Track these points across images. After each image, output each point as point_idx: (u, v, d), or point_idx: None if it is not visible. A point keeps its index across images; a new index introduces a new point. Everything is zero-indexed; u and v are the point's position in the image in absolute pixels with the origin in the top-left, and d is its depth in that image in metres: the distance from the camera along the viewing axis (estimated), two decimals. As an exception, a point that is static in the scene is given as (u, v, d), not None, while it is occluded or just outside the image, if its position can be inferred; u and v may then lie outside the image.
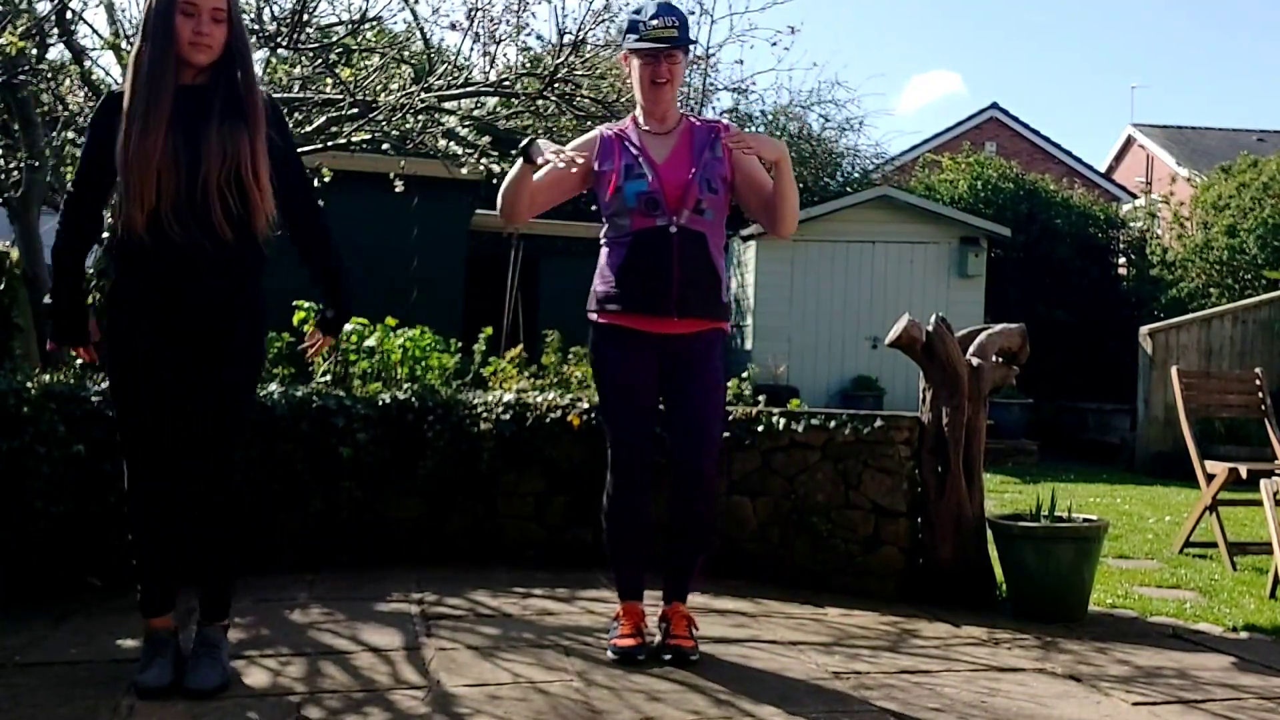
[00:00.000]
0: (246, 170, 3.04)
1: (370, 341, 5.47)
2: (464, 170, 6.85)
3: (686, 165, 3.53)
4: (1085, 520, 4.53)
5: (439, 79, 6.50)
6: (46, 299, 3.28)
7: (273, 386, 4.74)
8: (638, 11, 3.55)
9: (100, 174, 3.08)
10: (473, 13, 6.33)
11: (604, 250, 3.61)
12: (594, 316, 3.59)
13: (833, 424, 4.68)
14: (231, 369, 3.13)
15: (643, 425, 3.56)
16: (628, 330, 3.53)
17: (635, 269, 3.49)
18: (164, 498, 3.12)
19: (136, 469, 3.09)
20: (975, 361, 4.65)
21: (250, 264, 3.14)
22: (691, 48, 3.65)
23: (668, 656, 3.48)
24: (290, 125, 5.95)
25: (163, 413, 3.08)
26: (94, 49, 5.88)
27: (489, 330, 6.06)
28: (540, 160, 3.40)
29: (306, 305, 5.51)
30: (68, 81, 6.00)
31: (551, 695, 3.12)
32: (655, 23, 3.47)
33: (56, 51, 5.98)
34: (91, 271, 5.67)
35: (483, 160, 6.78)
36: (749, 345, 12.59)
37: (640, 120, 3.63)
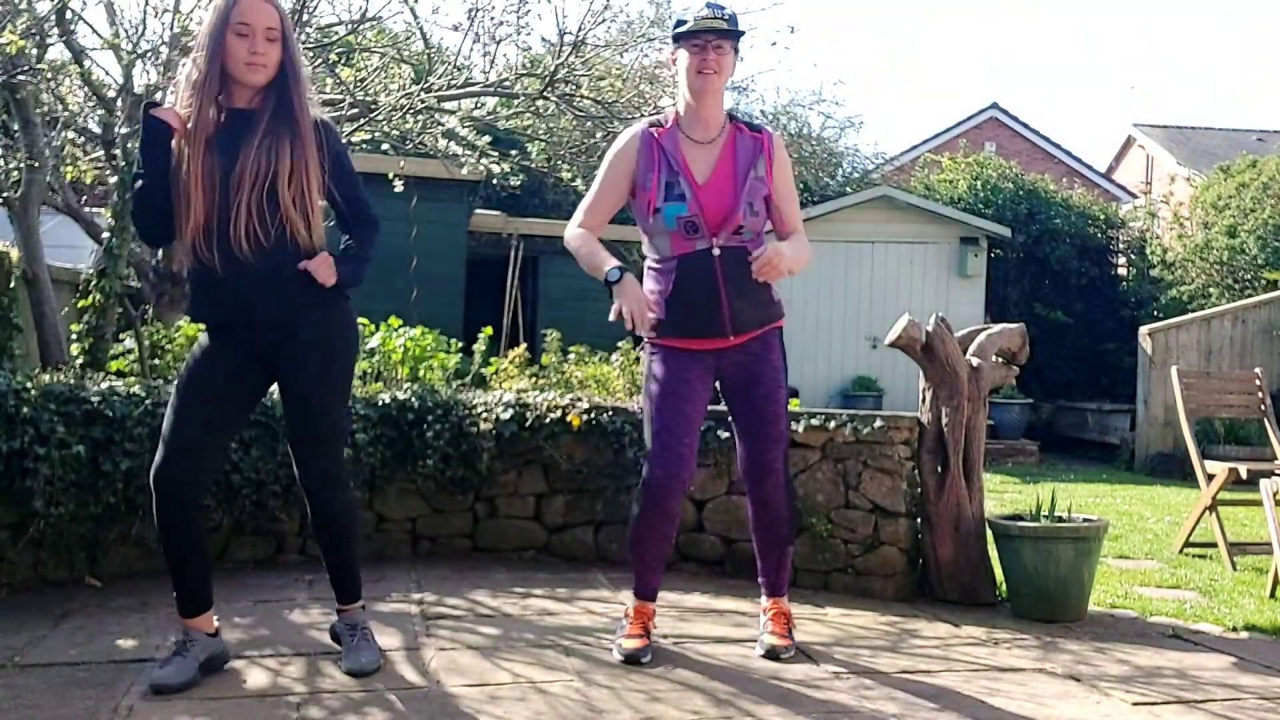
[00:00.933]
0: (284, 187, 3.03)
1: (371, 342, 5.47)
2: (464, 170, 6.86)
3: (730, 188, 3.48)
4: (1085, 520, 4.53)
5: (439, 79, 6.51)
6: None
7: (272, 387, 4.72)
8: (686, 8, 3.56)
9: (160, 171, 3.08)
10: (473, 12, 6.33)
11: (648, 272, 3.58)
12: (646, 340, 3.59)
13: (832, 424, 4.68)
14: (303, 380, 3.18)
15: (686, 435, 3.52)
16: (682, 350, 3.54)
17: (684, 298, 3.47)
18: (184, 492, 3.11)
19: (164, 452, 3.09)
20: (975, 362, 4.65)
21: (304, 279, 3.11)
22: (739, 47, 3.57)
23: (760, 652, 3.59)
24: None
25: (209, 417, 3.13)
26: (94, 49, 5.88)
27: (489, 330, 6.07)
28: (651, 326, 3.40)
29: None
30: (68, 81, 6.00)
31: (551, 695, 3.12)
32: (705, 13, 3.46)
33: (56, 51, 5.98)
34: (91, 272, 5.67)
35: (483, 160, 6.78)
36: (749, 345, 12.58)
37: (682, 124, 3.56)
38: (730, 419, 3.70)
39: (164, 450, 3.09)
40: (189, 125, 3.04)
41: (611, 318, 3.40)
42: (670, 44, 3.62)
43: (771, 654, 3.56)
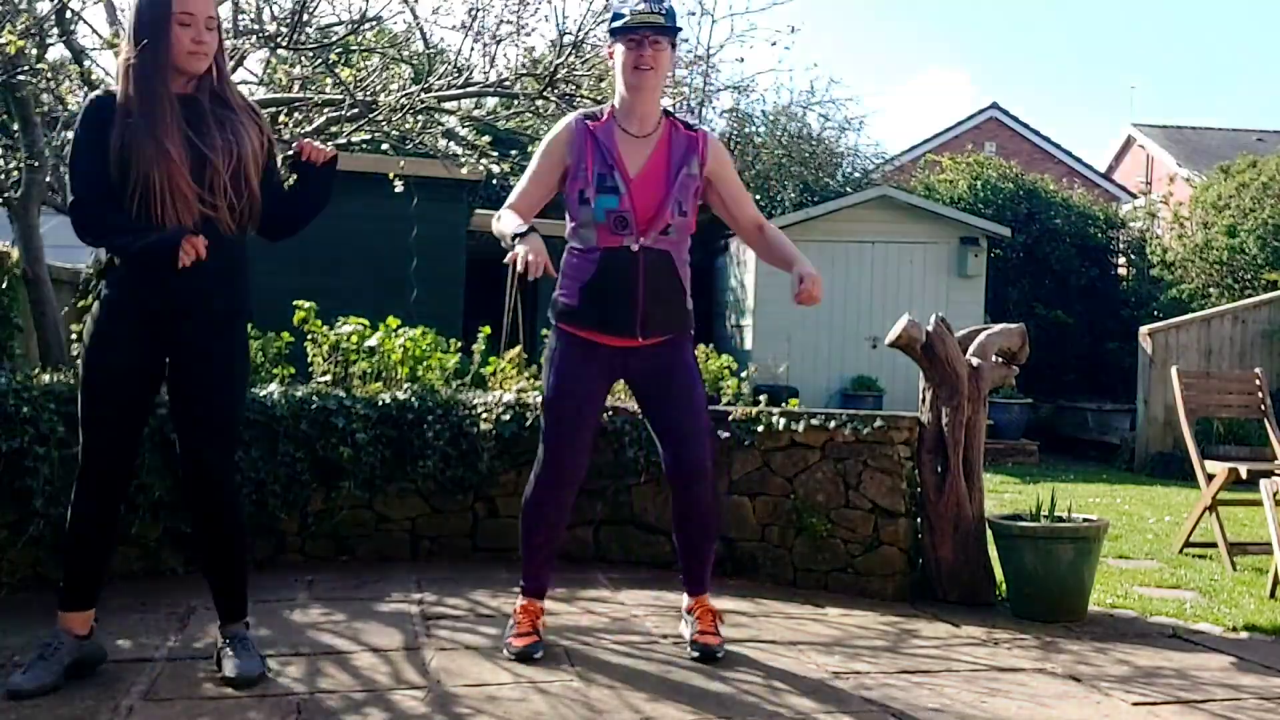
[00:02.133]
0: (249, 171, 3.08)
1: (371, 342, 5.47)
2: (464, 170, 6.85)
3: (661, 184, 3.45)
4: (1085, 520, 4.53)
5: (439, 79, 6.50)
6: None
7: (273, 387, 4.74)
8: (623, 2, 3.46)
9: (107, 171, 3.01)
10: (473, 12, 6.32)
11: (569, 257, 3.54)
12: (555, 323, 3.57)
13: (832, 424, 4.68)
14: (229, 366, 3.15)
15: (583, 431, 3.51)
16: (587, 341, 3.51)
17: (601, 290, 3.44)
18: (115, 488, 3.12)
19: (93, 457, 3.06)
20: (975, 361, 4.65)
21: (243, 262, 3.17)
22: (679, 42, 3.55)
23: (695, 654, 3.49)
24: (289, 125, 5.98)
25: (135, 408, 3.11)
26: (94, 49, 5.87)
27: (489, 330, 6.06)
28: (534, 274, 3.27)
29: (306, 305, 5.52)
30: (67, 81, 5.99)
31: (551, 695, 3.12)
32: (641, 7, 3.40)
33: (56, 51, 5.97)
34: (91, 272, 5.67)
35: (482, 160, 6.78)
36: (749, 345, 12.59)
37: (618, 117, 3.52)
38: (650, 424, 3.64)
39: (95, 439, 3.06)
40: (154, 113, 2.98)
41: (506, 260, 3.32)
42: (606, 37, 3.59)
43: (707, 655, 3.46)
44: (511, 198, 3.60)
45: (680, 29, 3.52)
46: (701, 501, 3.55)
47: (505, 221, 3.47)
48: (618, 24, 3.44)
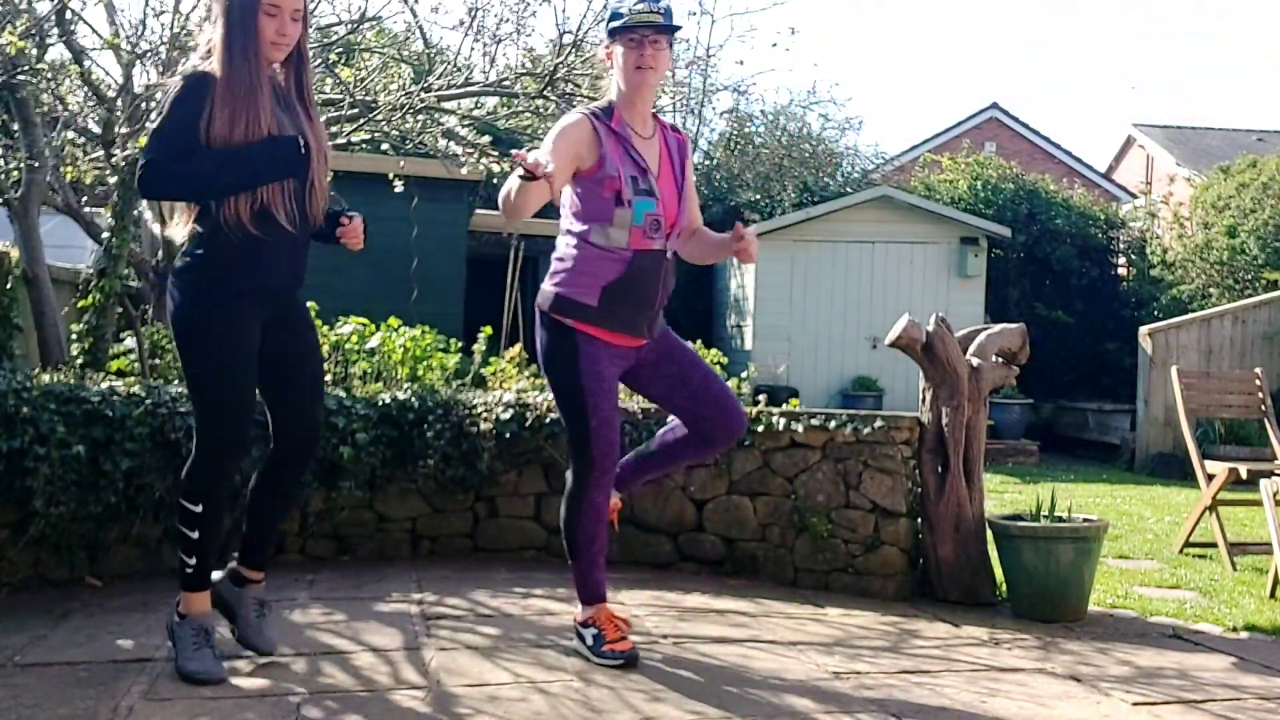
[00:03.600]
0: (324, 162, 3.25)
1: (371, 342, 5.47)
2: (464, 170, 6.85)
3: (672, 185, 3.50)
4: (1085, 520, 4.53)
5: (439, 79, 6.50)
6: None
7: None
8: (620, 1, 3.43)
9: (195, 143, 3.07)
10: (473, 12, 6.32)
11: (582, 253, 3.46)
12: (566, 321, 3.46)
13: (833, 424, 4.68)
14: (314, 339, 3.41)
15: (615, 432, 3.50)
16: (606, 343, 3.46)
17: (625, 292, 3.41)
18: (233, 470, 3.31)
19: (231, 440, 3.19)
20: (975, 362, 4.65)
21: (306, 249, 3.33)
22: (677, 41, 3.59)
23: None
24: None
25: (251, 392, 3.24)
26: (94, 49, 5.87)
27: (489, 330, 6.06)
28: (540, 174, 3.17)
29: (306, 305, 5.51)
30: (68, 81, 5.99)
31: (551, 695, 3.12)
32: (640, 6, 3.37)
33: (56, 51, 5.98)
34: (91, 272, 5.67)
35: (483, 160, 6.78)
36: (749, 345, 12.59)
37: (623, 116, 3.48)
38: (674, 401, 3.60)
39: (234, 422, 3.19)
40: (251, 99, 3.07)
41: (516, 152, 3.24)
42: (604, 37, 3.54)
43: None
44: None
45: (679, 27, 3.52)
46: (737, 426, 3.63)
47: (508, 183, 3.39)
48: (617, 24, 3.42)
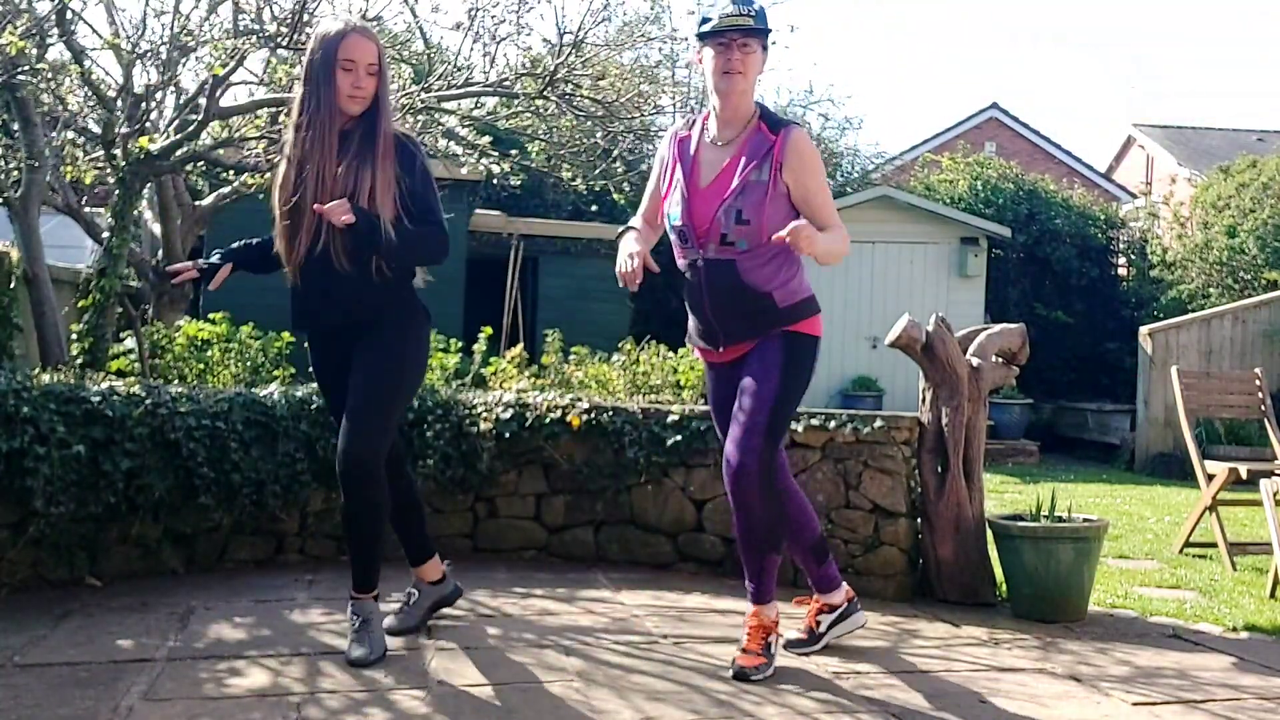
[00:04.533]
0: (364, 201, 3.26)
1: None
2: (464, 170, 6.85)
3: (722, 192, 3.38)
4: (1085, 520, 4.53)
5: (439, 79, 6.50)
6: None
7: (273, 387, 4.74)
8: (711, 4, 3.40)
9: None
10: (473, 12, 6.32)
11: None
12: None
13: (833, 424, 4.68)
14: (375, 373, 3.41)
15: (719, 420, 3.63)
16: (707, 359, 3.64)
17: (689, 305, 3.56)
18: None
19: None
20: (975, 362, 4.65)
21: (377, 288, 3.39)
22: (770, 43, 3.47)
23: (731, 673, 3.36)
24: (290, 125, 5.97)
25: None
26: (94, 49, 5.88)
27: (489, 330, 6.07)
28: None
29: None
30: (68, 81, 6.00)
31: (551, 695, 3.12)
32: (730, 10, 3.33)
33: (56, 51, 5.98)
34: (92, 272, 5.68)
35: (483, 160, 6.78)
36: (749, 345, 12.56)
37: (709, 123, 3.49)
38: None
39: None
40: (317, 155, 3.30)
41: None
42: (695, 42, 3.48)
43: (740, 675, 3.32)
44: (639, 212, 3.71)
45: (771, 30, 3.43)
46: (742, 502, 3.37)
47: (625, 242, 3.50)
48: (705, 28, 3.37)
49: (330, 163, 3.29)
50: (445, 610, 3.83)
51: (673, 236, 3.49)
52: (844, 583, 3.80)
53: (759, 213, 3.34)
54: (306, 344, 3.58)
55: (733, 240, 3.36)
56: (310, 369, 3.61)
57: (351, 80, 3.28)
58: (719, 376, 3.58)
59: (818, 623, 3.75)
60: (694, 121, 3.57)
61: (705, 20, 3.39)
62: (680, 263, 3.51)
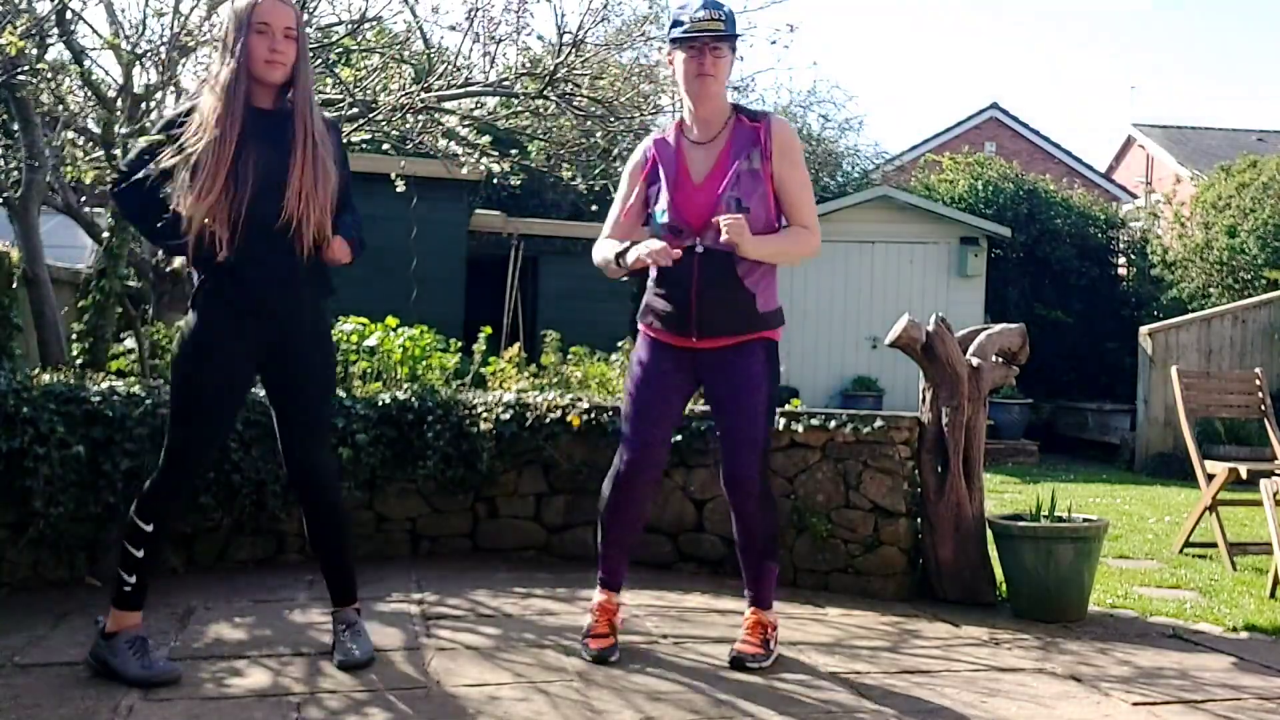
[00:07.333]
0: (320, 192, 3.19)
1: (370, 341, 5.47)
2: (464, 170, 6.85)
3: (717, 185, 3.44)
4: (1085, 520, 4.53)
5: (439, 79, 6.50)
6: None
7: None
8: (682, 7, 3.45)
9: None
10: (473, 12, 6.32)
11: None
12: (640, 323, 3.64)
13: (833, 424, 4.68)
14: (311, 371, 3.31)
15: (658, 424, 3.55)
16: (660, 341, 3.57)
17: (662, 289, 3.52)
18: (189, 494, 3.34)
19: (184, 462, 3.22)
20: (975, 361, 4.65)
21: (320, 278, 3.32)
22: (738, 45, 3.53)
23: (728, 659, 3.49)
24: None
25: (224, 414, 3.25)
26: (94, 49, 5.87)
27: (489, 330, 6.06)
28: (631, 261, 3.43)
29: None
30: (68, 81, 5.99)
31: (551, 695, 3.12)
32: (701, 14, 3.39)
33: (56, 51, 5.97)
34: (91, 272, 5.67)
35: (483, 160, 6.77)
36: (749, 345, 12.58)
37: (686, 123, 3.55)
38: (715, 431, 3.67)
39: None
40: (224, 124, 3.09)
41: (631, 258, 3.42)
42: (666, 44, 3.57)
43: (737, 662, 3.45)
44: (604, 230, 3.67)
45: (740, 35, 3.52)
46: (744, 514, 3.52)
47: (603, 249, 3.56)
48: (677, 32, 3.43)
49: (231, 142, 3.07)
50: (445, 610, 3.83)
51: (659, 234, 3.48)
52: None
53: (755, 200, 3.44)
54: (201, 323, 3.19)
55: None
56: (193, 352, 3.20)
57: (267, 43, 3.11)
58: (683, 364, 3.53)
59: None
60: (667, 129, 3.62)
61: (677, 24, 3.44)
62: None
